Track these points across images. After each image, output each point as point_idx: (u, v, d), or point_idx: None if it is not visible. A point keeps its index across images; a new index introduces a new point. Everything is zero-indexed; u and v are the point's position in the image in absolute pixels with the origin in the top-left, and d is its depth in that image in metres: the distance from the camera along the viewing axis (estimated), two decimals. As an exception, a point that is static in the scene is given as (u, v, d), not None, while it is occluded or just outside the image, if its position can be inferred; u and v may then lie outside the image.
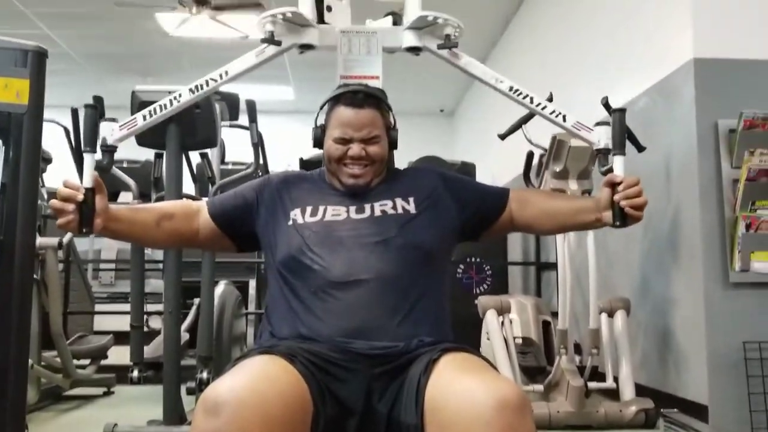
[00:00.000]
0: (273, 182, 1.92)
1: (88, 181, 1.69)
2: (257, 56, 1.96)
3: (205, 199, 2.00)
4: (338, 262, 1.69)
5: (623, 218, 1.71)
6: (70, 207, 1.66)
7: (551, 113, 1.90)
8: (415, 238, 1.76)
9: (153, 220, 1.84)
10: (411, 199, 1.83)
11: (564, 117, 1.89)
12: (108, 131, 1.80)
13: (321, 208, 1.81)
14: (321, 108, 1.91)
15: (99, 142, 1.76)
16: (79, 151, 3.93)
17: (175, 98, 1.89)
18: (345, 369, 1.55)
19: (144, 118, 1.86)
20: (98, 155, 1.76)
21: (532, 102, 1.92)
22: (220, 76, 1.91)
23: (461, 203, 1.89)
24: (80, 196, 1.66)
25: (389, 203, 1.82)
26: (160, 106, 1.88)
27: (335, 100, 1.87)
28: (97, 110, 1.77)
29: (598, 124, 1.87)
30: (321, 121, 1.90)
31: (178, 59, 8.19)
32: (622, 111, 1.81)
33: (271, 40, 1.95)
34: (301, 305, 1.69)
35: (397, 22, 2.12)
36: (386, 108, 1.90)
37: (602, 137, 1.84)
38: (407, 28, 2.06)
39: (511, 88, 1.94)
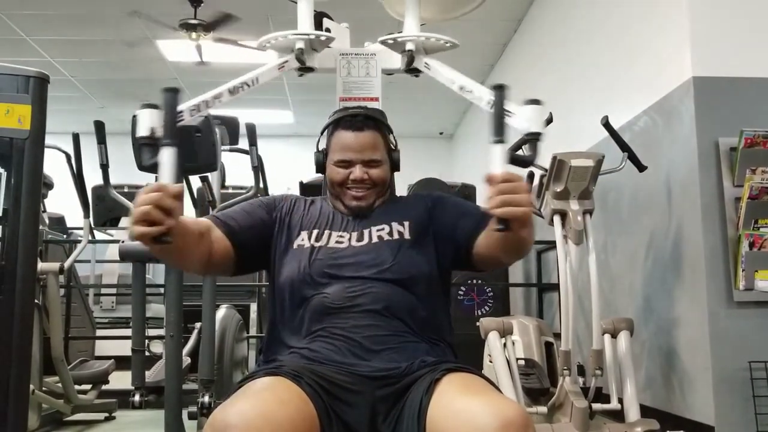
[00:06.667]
0: (281, 203, 1.88)
1: (171, 181, 1.43)
2: (279, 69, 2.02)
3: (206, 217, 1.81)
4: (337, 290, 1.69)
5: (502, 221, 1.43)
6: (162, 214, 1.39)
7: (486, 103, 1.80)
8: (409, 266, 1.74)
9: (197, 233, 1.63)
10: (406, 224, 1.82)
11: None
12: (153, 121, 1.80)
13: (326, 233, 1.80)
14: (322, 133, 1.91)
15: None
16: (81, 176, 3.98)
17: (215, 97, 1.90)
18: (349, 391, 1.53)
19: (190, 112, 1.85)
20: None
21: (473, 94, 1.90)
22: (252, 81, 1.95)
23: (438, 227, 1.82)
24: (171, 201, 1.39)
25: (386, 228, 1.81)
26: (204, 102, 1.87)
27: (335, 124, 1.87)
28: (177, 95, 1.53)
29: (527, 102, 1.70)
30: (322, 145, 1.90)
31: (178, 85, 8.24)
32: (500, 87, 1.52)
33: (300, 59, 2.00)
34: (300, 329, 1.68)
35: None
36: (387, 129, 1.90)
37: (532, 120, 1.67)
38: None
39: (461, 87, 1.94)
